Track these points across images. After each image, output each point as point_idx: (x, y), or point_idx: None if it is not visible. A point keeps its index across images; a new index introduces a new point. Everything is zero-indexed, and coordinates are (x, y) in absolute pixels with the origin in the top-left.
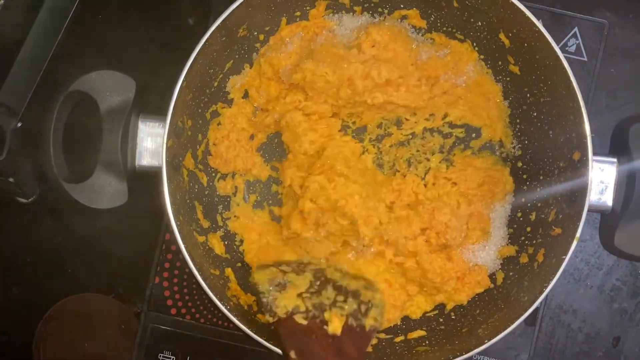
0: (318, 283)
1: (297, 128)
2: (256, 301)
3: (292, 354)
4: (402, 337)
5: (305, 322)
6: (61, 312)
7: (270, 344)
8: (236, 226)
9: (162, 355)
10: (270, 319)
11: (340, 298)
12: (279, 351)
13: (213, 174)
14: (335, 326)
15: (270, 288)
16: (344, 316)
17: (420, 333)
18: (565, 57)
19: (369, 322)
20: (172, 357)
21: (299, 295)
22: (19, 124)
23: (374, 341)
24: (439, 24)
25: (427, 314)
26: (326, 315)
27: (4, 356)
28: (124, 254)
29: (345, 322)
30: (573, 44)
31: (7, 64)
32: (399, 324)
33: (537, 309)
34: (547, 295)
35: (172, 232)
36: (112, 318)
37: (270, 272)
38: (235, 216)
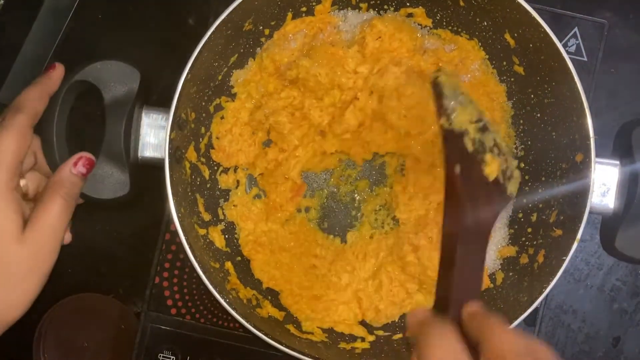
0: (482, 123)
1: (283, 129)
2: (435, 102)
3: (457, 168)
4: (400, 335)
5: (471, 148)
6: (61, 312)
7: (269, 338)
8: (233, 214)
9: (162, 355)
10: (446, 124)
11: (496, 150)
12: (278, 346)
13: (215, 167)
14: (492, 169)
15: (454, 96)
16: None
17: None
18: None
19: (509, 188)
20: (172, 357)
21: (471, 122)
22: None
23: (371, 338)
24: (444, 23)
25: None
26: (487, 156)
27: (4, 356)
28: (124, 254)
29: (499, 171)
30: (573, 44)
31: (7, 64)
32: (397, 321)
33: (536, 309)
34: (547, 295)
35: (173, 230)
36: (112, 318)
37: (456, 81)
38: (234, 205)
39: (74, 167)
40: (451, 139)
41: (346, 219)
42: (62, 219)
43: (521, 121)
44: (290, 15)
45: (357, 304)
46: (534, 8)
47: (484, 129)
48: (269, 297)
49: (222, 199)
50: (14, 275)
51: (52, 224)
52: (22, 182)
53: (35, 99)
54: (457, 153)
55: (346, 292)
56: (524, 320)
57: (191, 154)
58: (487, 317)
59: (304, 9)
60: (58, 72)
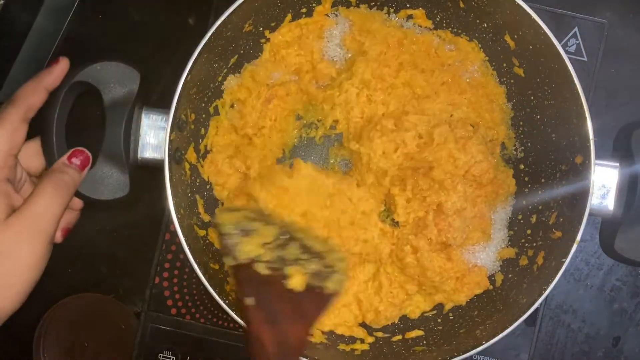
0: (284, 237)
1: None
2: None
3: (249, 301)
4: (399, 337)
5: (267, 272)
6: (61, 312)
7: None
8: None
9: (162, 355)
10: (232, 262)
11: (305, 257)
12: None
13: None
14: (296, 282)
15: (235, 232)
16: (306, 274)
17: (418, 333)
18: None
19: (330, 286)
20: (172, 357)
21: (264, 244)
22: None
23: (371, 339)
24: (444, 25)
25: (426, 314)
26: (288, 270)
27: (4, 356)
28: (124, 254)
29: (306, 280)
30: (573, 44)
31: (8, 64)
32: (396, 322)
33: (537, 309)
34: (547, 296)
35: (172, 230)
36: (112, 318)
37: (237, 215)
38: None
39: (68, 159)
40: (243, 272)
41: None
42: (49, 210)
43: (521, 123)
44: (289, 16)
45: (357, 306)
46: (533, 8)
47: (285, 242)
48: None
49: (222, 201)
50: None
51: (37, 212)
52: (18, 173)
53: (30, 92)
54: (249, 285)
55: (346, 295)
56: (524, 320)
57: (191, 155)
58: None
59: (304, 10)
60: (60, 67)
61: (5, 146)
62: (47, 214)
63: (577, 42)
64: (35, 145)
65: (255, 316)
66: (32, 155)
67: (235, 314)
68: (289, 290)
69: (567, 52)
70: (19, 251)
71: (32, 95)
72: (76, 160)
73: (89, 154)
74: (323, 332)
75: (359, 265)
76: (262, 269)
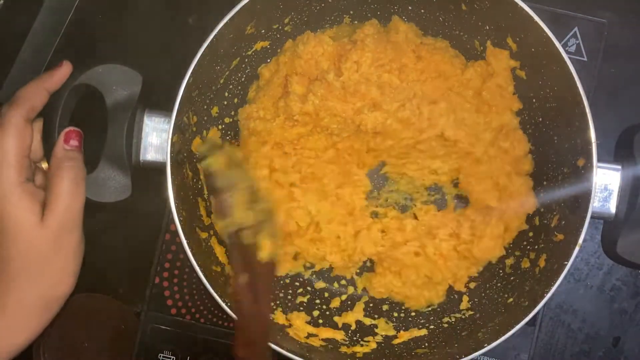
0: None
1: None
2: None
3: (242, 278)
4: (401, 339)
5: (251, 241)
6: (61, 312)
7: (270, 342)
8: None
9: (162, 355)
10: (230, 228)
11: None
12: (280, 350)
13: None
14: (265, 253)
15: (225, 184)
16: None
17: (419, 333)
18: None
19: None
20: (172, 357)
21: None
22: None
23: (372, 345)
24: (446, 27)
25: (427, 314)
26: (262, 240)
27: None
28: (124, 253)
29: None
30: (573, 44)
31: (8, 64)
32: (397, 322)
33: None
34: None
35: (172, 230)
36: (112, 318)
37: (223, 156)
38: None
39: (66, 144)
40: (236, 246)
41: None
42: (75, 196)
43: (523, 125)
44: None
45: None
46: (533, 8)
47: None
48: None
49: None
50: (47, 256)
51: (66, 203)
52: (44, 165)
53: (31, 93)
54: (244, 258)
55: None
56: None
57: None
58: None
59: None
60: (62, 70)
61: (18, 149)
62: (74, 205)
63: (577, 42)
64: (36, 135)
65: (247, 297)
66: (35, 145)
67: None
68: (258, 261)
69: (567, 52)
70: (64, 243)
71: (34, 96)
72: (74, 142)
73: (78, 129)
74: (321, 339)
75: None
76: (247, 238)
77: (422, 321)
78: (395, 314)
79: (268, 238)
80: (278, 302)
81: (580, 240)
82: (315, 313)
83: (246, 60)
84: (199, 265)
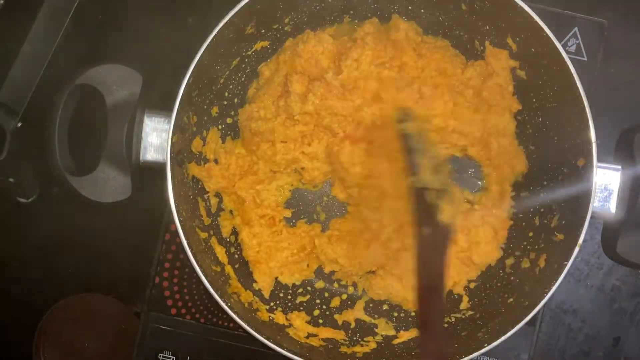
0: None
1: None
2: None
3: (427, 230)
4: (401, 339)
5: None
6: (61, 312)
7: (270, 342)
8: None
9: (162, 355)
10: (418, 183)
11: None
12: (280, 350)
13: None
14: (447, 215)
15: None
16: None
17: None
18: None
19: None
20: (172, 357)
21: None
22: (19, 124)
23: (372, 345)
24: (446, 27)
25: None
26: (444, 205)
27: (4, 356)
28: (124, 253)
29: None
30: (573, 44)
31: (7, 64)
32: (398, 323)
33: None
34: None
35: (172, 230)
36: (112, 318)
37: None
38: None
39: None
40: (419, 198)
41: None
42: None
43: (524, 125)
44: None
45: None
46: (533, 8)
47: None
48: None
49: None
50: None
51: None
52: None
53: None
54: (425, 213)
55: None
56: None
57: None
58: None
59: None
60: None
61: None
62: None
63: (577, 42)
64: None
65: (428, 251)
66: None
67: (238, 317)
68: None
69: (567, 52)
70: None
71: None
72: None
73: None
74: (322, 339)
75: None
76: (431, 198)
77: None
78: (396, 314)
79: (449, 203)
80: (278, 302)
81: (580, 240)
82: (316, 312)
83: (246, 60)
84: (199, 265)
